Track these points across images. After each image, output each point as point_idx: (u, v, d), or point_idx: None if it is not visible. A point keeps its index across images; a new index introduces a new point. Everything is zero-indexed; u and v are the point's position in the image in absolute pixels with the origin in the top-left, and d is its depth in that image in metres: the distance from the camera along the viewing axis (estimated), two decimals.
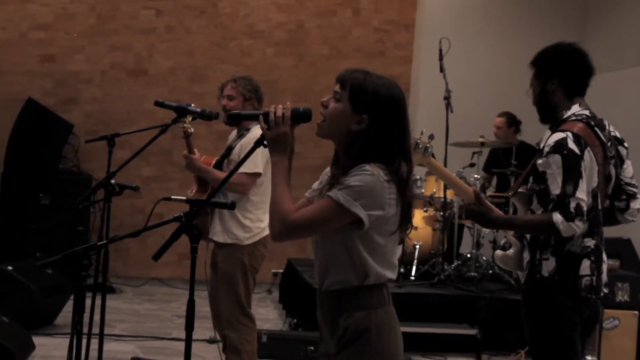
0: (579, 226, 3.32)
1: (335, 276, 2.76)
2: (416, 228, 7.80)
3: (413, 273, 7.59)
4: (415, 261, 7.68)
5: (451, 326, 7.05)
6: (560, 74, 3.58)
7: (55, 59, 9.78)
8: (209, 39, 9.91)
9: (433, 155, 3.45)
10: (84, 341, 4.40)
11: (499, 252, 3.75)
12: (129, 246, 9.49)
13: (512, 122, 8.39)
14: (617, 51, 8.60)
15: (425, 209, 7.96)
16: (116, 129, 6.26)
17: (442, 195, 7.68)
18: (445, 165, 7.47)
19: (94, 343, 4.57)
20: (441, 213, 7.77)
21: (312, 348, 6.17)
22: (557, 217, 3.31)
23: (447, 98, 7.69)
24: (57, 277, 7.09)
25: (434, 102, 8.14)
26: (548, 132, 3.57)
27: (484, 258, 7.82)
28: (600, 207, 3.54)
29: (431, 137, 3.54)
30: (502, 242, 3.68)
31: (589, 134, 3.48)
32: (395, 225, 2.74)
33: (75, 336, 3.56)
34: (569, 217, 3.30)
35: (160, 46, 9.89)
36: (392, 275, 2.80)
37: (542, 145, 3.55)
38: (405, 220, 2.77)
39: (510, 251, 3.70)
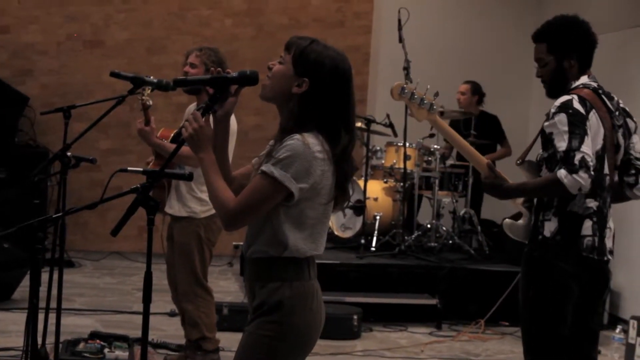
0: (583, 177, 3.29)
1: (258, 245, 2.80)
2: (376, 199, 7.82)
3: (373, 244, 7.63)
4: (376, 232, 7.71)
5: (412, 296, 7.11)
6: (578, 50, 3.60)
7: (10, 29, 9.59)
8: (167, 9, 9.76)
9: (441, 114, 3.41)
10: (42, 316, 4.36)
11: (507, 220, 3.76)
12: (88, 220, 9.38)
13: (477, 91, 8.35)
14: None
15: (385, 180, 7.97)
16: (73, 101, 6.12)
17: (402, 166, 7.68)
18: (405, 136, 7.48)
19: (53, 317, 4.52)
20: (401, 184, 7.79)
21: None
22: (561, 172, 3.31)
23: (406, 68, 7.68)
24: (14, 251, 7.00)
25: (394, 72, 8.10)
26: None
27: (444, 228, 7.87)
28: (609, 174, 3.54)
29: (436, 94, 3.54)
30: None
31: (595, 99, 3.51)
32: (328, 197, 2.77)
33: (32, 310, 3.51)
34: (572, 169, 3.29)
35: (117, 16, 9.72)
36: (316, 251, 2.82)
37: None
38: (341, 192, 2.81)
39: (521, 221, 3.70)
